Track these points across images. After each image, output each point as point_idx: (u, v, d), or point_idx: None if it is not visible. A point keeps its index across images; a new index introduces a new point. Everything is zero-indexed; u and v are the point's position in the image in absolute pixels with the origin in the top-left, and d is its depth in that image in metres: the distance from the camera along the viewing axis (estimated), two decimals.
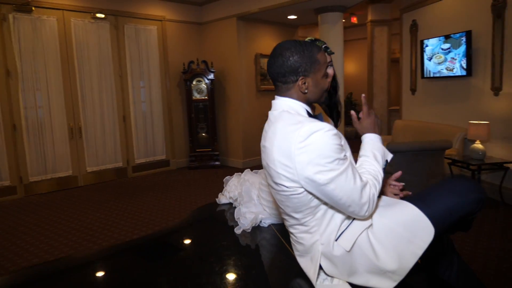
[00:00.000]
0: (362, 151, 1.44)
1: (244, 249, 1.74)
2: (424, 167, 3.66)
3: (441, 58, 5.08)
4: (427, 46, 5.26)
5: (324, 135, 1.20)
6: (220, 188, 2.37)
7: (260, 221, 1.92)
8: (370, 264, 1.28)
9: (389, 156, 1.45)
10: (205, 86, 6.66)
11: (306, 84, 1.35)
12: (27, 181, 5.17)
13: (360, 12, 7.94)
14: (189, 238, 1.93)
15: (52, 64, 5.27)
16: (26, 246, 3.51)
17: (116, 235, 3.68)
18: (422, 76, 5.43)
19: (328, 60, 1.71)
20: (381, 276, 1.28)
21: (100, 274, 1.56)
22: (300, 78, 1.34)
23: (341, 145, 1.25)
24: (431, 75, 5.28)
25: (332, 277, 1.36)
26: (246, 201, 1.96)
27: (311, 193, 1.28)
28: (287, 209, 1.37)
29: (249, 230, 1.85)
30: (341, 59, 5.94)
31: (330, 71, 1.43)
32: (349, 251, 1.29)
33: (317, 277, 1.34)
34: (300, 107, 1.37)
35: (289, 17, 6.73)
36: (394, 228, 1.29)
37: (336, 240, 1.31)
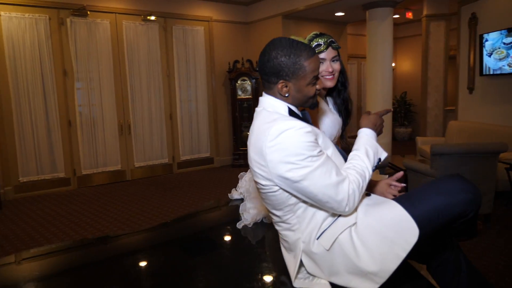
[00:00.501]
0: (356, 145, 1.39)
1: (236, 244, 1.78)
2: (474, 171, 3.35)
3: (503, 54, 4.64)
4: (487, 40, 4.84)
5: (295, 133, 1.20)
6: None
7: (263, 218, 1.90)
8: (351, 264, 1.24)
9: (383, 155, 1.38)
10: (250, 85, 6.68)
11: (287, 88, 1.32)
12: (80, 173, 5.53)
13: (415, 6, 7.50)
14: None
15: (104, 65, 5.59)
16: (71, 233, 3.75)
17: None
18: (481, 74, 5.00)
19: (333, 55, 1.70)
20: (363, 278, 1.24)
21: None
22: (280, 82, 1.31)
23: (315, 142, 1.23)
24: (491, 72, 4.84)
25: (313, 276, 1.33)
26: (253, 197, 1.93)
27: (287, 191, 1.27)
28: (268, 206, 1.37)
29: (250, 226, 1.85)
30: (390, 57, 5.65)
31: (321, 77, 1.44)
32: (328, 250, 1.26)
33: (297, 275, 1.33)
34: (281, 106, 1.34)
35: (336, 14, 6.54)
36: (378, 228, 1.24)
37: (317, 238, 1.29)
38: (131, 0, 5.77)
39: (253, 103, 6.66)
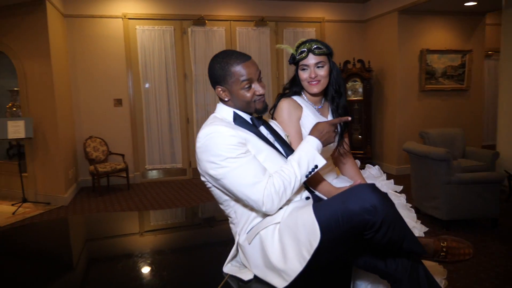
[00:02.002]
0: (295, 151, 1.47)
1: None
2: None
3: None
4: None
5: (217, 136, 1.36)
6: None
7: None
8: (267, 259, 1.34)
9: (321, 162, 1.42)
10: (361, 86, 6.40)
11: (225, 93, 1.48)
12: (195, 165, 6.24)
13: None
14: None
15: None
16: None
17: None
18: None
19: (316, 61, 1.72)
20: (275, 274, 1.32)
21: None
22: (217, 87, 1.49)
23: (237, 145, 1.36)
24: None
25: (243, 266, 1.48)
26: None
27: (218, 188, 1.45)
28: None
29: None
30: None
31: (255, 85, 1.47)
32: (250, 244, 1.40)
33: (229, 262, 1.49)
34: (228, 111, 1.51)
35: (466, 4, 5.71)
36: (293, 229, 1.31)
37: (247, 232, 1.43)
38: (245, 7, 6.19)
39: (364, 105, 6.37)
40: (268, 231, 1.36)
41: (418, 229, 1.69)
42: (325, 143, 1.47)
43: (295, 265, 1.26)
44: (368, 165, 2.10)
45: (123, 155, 5.68)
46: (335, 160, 2.00)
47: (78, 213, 4.54)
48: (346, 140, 1.94)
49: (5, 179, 5.20)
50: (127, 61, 5.77)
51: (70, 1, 5.44)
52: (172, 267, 1.59)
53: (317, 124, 1.50)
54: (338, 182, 1.87)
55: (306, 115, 1.80)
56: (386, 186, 1.92)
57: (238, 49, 6.16)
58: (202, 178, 1.49)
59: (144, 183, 5.98)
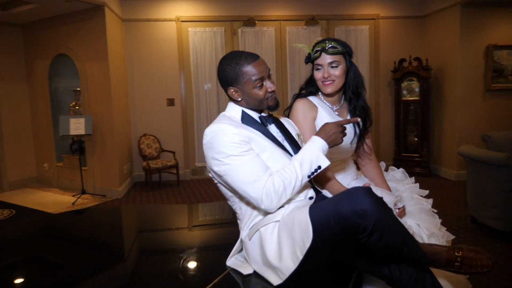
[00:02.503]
0: (299, 151, 1.47)
1: None
2: None
3: None
4: None
5: (221, 135, 1.40)
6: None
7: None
8: (264, 256, 1.37)
9: (324, 163, 1.41)
10: (417, 86, 6.04)
11: (238, 93, 1.52)
12: None
13: None
14: None
15: (270, 68, 6.16)
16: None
17: None
18: None
19: (330, 60, 1.72)
20: (272, 270, 1.35)
21: None
22: (229, 88, 1.53)
23: (240, 143, 1.39)
24: None
25: (246, 260, 1.51)
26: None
27: (223, 184, 1.51)
28: None
29: None
30: None
31: (266, 82, 1.50)
32: (250, 240, 1.44)
33: (232, 256, 1.53)
34: (237, 110, 1.55)
35: None
36: (289, 227, 1.32)
37: (249, 228, 1.47)
38: (295, 6, 6.14)
39: (421, 105, 6.00)
40: (268, 228, 1.39)
41: (438, 236, 1.59)
42: (331, 144, 1.45)
43: (289, 264, 1.29)
44: (392, 167, 2.02)
45: (174, 152, 5.91)
46: (357, 161, 1.97)
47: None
48: (368, 141, 1.92)
49: (68, 172, 5.66)
50: (179, 62, 5.99)
51: (128, 6, 5.78)
52: (218, 263, 1.58)
53: (325, 124, 1.48)
54: (357, 183, 1.83)
55: (321, 116, 1.78)
56: (410, 190, 1.83)
57: (287, 49, 6.14)
58: (209, 174, 1.54)
59: (194, 180, 6.17)
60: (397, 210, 1.66)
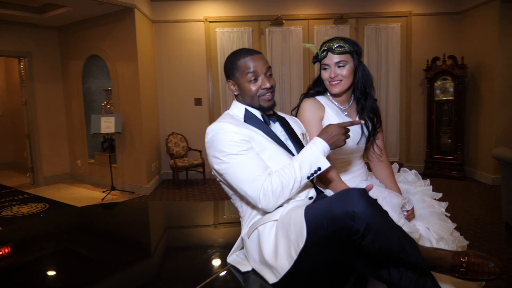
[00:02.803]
0: (300, 152, 1.46)
1: None
2: None
3: None
4: None
5: (222, 134, 1.42)
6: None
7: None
8: (261, 254, 1.38)
9: (324, 165, 1.40)
10: (451, 85, 5.78)
11: (235, 87, 1.56)
12: None
13: None
14: None
15: (295, 68, 6.12)
16: None
17: None
18: None
19: (337, 60, 1.70)
20: (268, 269, 1.35)
21: None
22: (228, 81, 1.57)
23: (239, 142, 1.40)
24: None
25: (246, 258, 1.52)
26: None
27: (224, 183, 1.53)
28: None
29: None
30: None
31: (261, 79, 1.51)
32: (248, 238, 1.45)
33: (233, 253, 1.54)
34: (240, 108, 1.57)
35: None
36: (286, 227, 1.32)
37: (249, 226, 1.49)
38: (323, 5, 6.05)
39: (455, 105, 5.74)
40: (266, 227, 1.40)
41: (448, 241, 1.53)
42: (332, 146, 1.43)
43: (284, 263, 1.29)
44: (403, 169, 1.97)
45: (200, 151, 5.98)
46: (368, 162, 1.94)
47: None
48: (378, 142, 1.87)
49: (99, 169, 5.86)
50: (207, 62, 6.06)
51: (158, 8, 5.91)
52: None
53: (328, 125, 1.46)
54: (366, 185, 1.74)
55: (328, 116, 1.77)
56: (422, 192, 1.78)
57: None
58: (212, 173, 1.56)
59: None
60: (405, 213, 1.61)
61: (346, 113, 1.82)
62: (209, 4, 5.99)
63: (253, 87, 1.50)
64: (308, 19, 6.08)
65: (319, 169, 1.39)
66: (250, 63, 1.49)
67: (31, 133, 5.94)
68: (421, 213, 1.68)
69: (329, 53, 1.71)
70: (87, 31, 5.64)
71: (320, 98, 1.83)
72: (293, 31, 6.08)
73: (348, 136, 1.46)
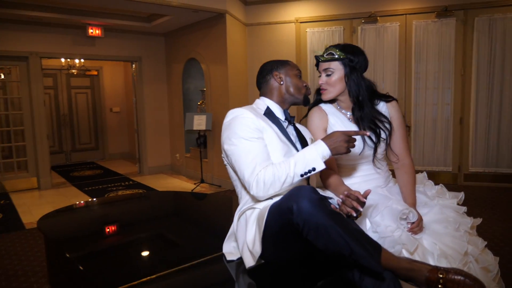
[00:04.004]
0: (300, 150, 1.52)
1: None
2: None
3: None
4: None
5: (238, 118, 1.55)
6: None
7: None
8: (243, 237, 1.48)
9: (319, 166, 1.44)
10: None
11: (281, 78, 1.71)
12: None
13: None
14: None
15: (389, 67, 5.76)
16: None
17: None
18: None
19: (324, 67, 1.77)
20: (248, 252, 1.44)
21: None
22: (274, 72, 1.73)
23: (252, 129, 1.51)
24: None
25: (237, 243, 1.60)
26: None
27: (230, 166, 1.63)
28: None
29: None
30: None
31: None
32: (238, 221, 1.56)
33: (229, 238, 1.63)
34: (263, 105, 1.71)
35: None
36: (260, 216, 1.44)
37: (240, 210, 1.60)
38: None
39: None
40: (254, 213, 1.50)
41: (455, 259, 1.50)
42: (333, 152, 1.46)
43: (257, 248, 1.40)
44: (428, 184, 1.89)
45: None
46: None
47: None
48: (394, 147, 1.82)
49: (193, 162, 6.37)
50: (296, 63, 6.09)
51: (251, 12, 6.14)
52: None
53: (334, 132, 1.50)
54: (382, 191, 1.78)
55: (333, 123, 1.79)
56: (443, 206, 1.73)
57: (413, 45, 5.63)
58: (222, 155, 1.68)
59: None
60: (408, 225, 1.58)
61: (351, 120, 1.80)
62: (300, 5, 6.01)
63: (301, 82, 1.72)
64: (405, 14, 5.65)
65: (314, 169, 1.43)
66: (297, 66, 1.77)
67: (139, 127, 6.76)
68: (434, 227, 1.60)
69: (319, 62, 1.79)
70: (187, 36, 6.17)
71: (326, 106, 1.84)
72: (388, 28, 5.72)
73: (352, 145, 1.47)
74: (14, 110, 5.81)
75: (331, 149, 1.44)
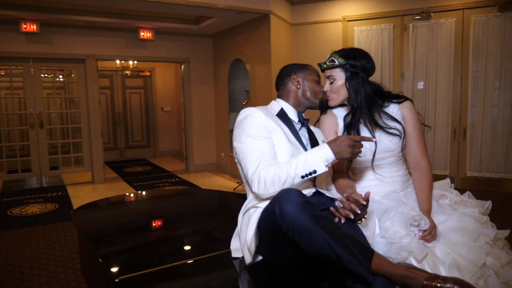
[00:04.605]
0: (305, 152, 1.52)
1: None
2: None
3: None
4: None
5: (249, 117, 1.58)
6: None
7: None
8: (245, 235, 1.51)
9: (321, 169, 1.43)
10: None
11: (299, 81, 1.74)
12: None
13: None
14: None
15: (443, 66, 5.42)
16: None
17: None
18: None
19: (327, 75, 1.78)
20: (247, 249, 1.48)
21: None
22: (292, 76, 1.76)
23: (261, 129, 1.54)
24: None
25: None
26: None
27: (238, 163, 1.65)
28: None
29: None
30: None
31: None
32: (242, 218, 1.61)
33: (236, 234, 1.67)
34: (277, 106, 1.74)
35: None
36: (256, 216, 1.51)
37: (245, 207, 1.63)
38: None
39: None
40: (256, 212, 1.52)
41: (469, 270, 1.42)
42: (337, 156, 1.43)
43: (252, 248, 1.45)
44: (447, 194, 1.80)
45: None
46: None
47: None
48: (413, 151, 1.75)
49: None
50: None
51: (297, 11, 6.08)
52: None
53: (340, 136, 1.48)
54: (402, 195, 1.74)
55: (342, 126, 1.79)
56: (463, 214, 1.65)
57: (471, 43, 5.27)
58: (233, 152, 1.71)
59: None
60: (419, 232, 1.54)
61: (362, 124, 1.77)
62: (347, 3, 5.84)
63: (318, 87, 1.75)
64: (463, 8, 5.28)
65: (315, 171, 1.42)
66: (317, 71, 1.79)
67: (187, 126, 6.96)
68: (450, 236, 1.53)
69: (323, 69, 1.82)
70: (233, 37, 6.25)
71: (336, 110, 1.84)
72: (443, 25, 5.38)
73: (357, 151, 1.44)
74: (72, 109, 6.25)
75: (335, 153, 1.43)
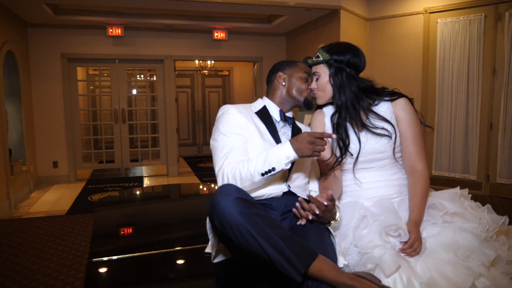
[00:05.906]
0: (268, 149, 1.46)
1: None
2: None
3: None
4: None
5: (224, 114, 1.57)
6: None
7: None
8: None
9: (279, 167, 1.37)
10: None
11: (285, 79, 1.66)
12: (494, 180, 5.09)
13: None
14: None
15: None
16: None
17: None
18: None
19: (313, 71, 1.68)
20: (209, 246, 1.52)
21: None
22: (278, 73, 1.68)
23: (233, 126, 1.51)
24: None
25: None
26: None
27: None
28: None
29: None
30: None
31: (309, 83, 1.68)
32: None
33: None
34: (260, 104, 1.69)
35: None
36: None
37: None
38: None
39: None
40: None
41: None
42: (298, 153, 1.36)
43: (212, 245, 1.50)
44: (463, 199, 1.55)
45: None
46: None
47: None
48: (407, 153, 1.60)
49: None
50: (423, 58, 5.43)
51: (373, 6, 5.73)
52: None
53: (302, 133, 1.41)
54: (395, 203, 1.55)
55: (328, 126, 1.70)
56: (460, 229, 1.41)
57: None
58: None
59: None
60: (401, 245, 1.36)
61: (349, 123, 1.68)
62: None
63: (303, 86, 1.64)
64: None
65: (273, 169, 1.37)
66: (307, 69, 1.67)
67: None
68: (437, 252, 1.33)
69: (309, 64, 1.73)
70: (304, 35, 6.14)
71: (327, 108, 1.73)
72: None
73: (319, 148, 1.35)
74: (152, 106, 6.73)
75: (295, 150, 1.36)
